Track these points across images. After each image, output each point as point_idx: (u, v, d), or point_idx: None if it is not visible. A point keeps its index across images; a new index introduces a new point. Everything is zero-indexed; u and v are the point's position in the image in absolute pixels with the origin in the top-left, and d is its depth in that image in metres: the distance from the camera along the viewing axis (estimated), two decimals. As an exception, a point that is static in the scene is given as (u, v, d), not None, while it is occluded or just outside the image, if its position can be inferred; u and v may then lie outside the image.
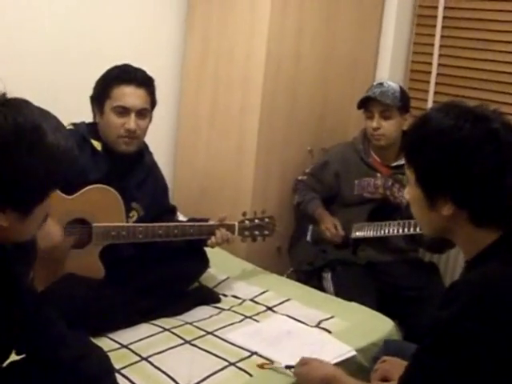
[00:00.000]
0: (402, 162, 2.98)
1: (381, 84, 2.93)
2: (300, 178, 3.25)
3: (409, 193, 1.58)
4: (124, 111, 2.37)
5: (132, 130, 2.37)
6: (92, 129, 2.44)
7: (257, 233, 2.67)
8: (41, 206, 1.40)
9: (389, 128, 2.92)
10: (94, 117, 2.46)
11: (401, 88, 2.97)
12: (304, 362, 1.96)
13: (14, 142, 1.30)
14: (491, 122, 1.45)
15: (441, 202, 1.47)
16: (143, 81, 2.41)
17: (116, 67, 2.43)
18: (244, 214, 2.65)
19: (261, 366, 2.06)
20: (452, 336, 1.39)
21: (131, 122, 2.37)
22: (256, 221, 2.66)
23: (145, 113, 2.42)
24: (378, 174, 3.00)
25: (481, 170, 1.42)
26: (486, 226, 1.47)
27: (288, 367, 2.00)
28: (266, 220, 2.69)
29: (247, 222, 2.65)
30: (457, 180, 1.44)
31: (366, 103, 2.94)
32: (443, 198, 1.46)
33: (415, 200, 1.55)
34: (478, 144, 1.42)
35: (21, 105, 1.35)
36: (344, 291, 2.79)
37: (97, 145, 2.41)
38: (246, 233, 2.64)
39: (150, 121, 2.48)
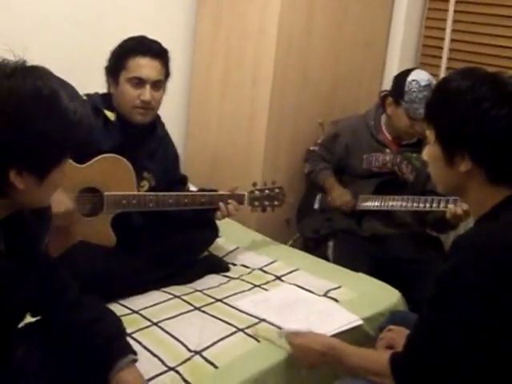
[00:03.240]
0: (412, 140, 3.00)
1: (429, 86, 2.78)
2: (312, 148, 3.27)
3: (427, 153, 1.62)
4: (139, 82, 2.39)
5: (147, 101, 2.40)
6: (106, 99, 2.46)
7: (267, 203, 2.68)
8: (56, 171, 1.42)
9: (420, 129, 2.81)
10: (109, 87, 2.48)
11: None
12: (298, 334, 1.97)
13: (33, 104, 1.32)
14: (507, 86, 1.50)
15: (459, 159, 1.51)
16: (158, 52, 2.44)
17: (132, 38, 2.45)
18: (254, 185, 2.67)
19: (254, 330, 2.09)
20: (453, 287, 1.43)
21: (146, 93, 2.39)
22: (266, 191, 2.68)
23: (159, 84, 2.45)
24: (388, 150, 3.01)
25: (496, 129, 1.46)
26: (501, 183, 1.51)
27: (282, 335, 1.99)
28: (276, 190, 2.70)
29: (257, 192, 2.66)
30: (474, 137, 1.48)
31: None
32: (461, 154, 1.50)
33: (433, 158, 1.59)
34: (493, 104, 1.46)
35: (40, 71, 1.38)
36: (341, 259, 2.82)
37: (110, 115, 2.43)
38: (256, 203, 2.66)
39: (164, 92, 2.50)
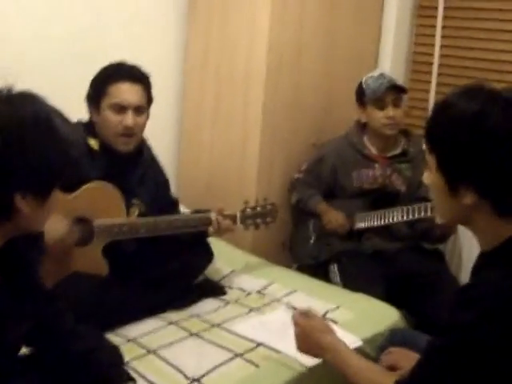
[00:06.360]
0: (397, 151, 3.02)
1: (382, 75, 2.93)
2: (296, 176, 3.21)
3: (428, 178, 1.50)
4: (121, 108, 2.37)
5: (130, 126, 2.37)
6: (88, 128, 2.43)
7: (259, 221, 2.66)
8: (54, 193, 1.46)
9: (400, 116, 2.93)
10: (91, 116, 2.45)
11: None
12: (308, 314, 1.87)
13: (32, 128, 1.37)
14: None
15: (463, 191, 1.40)
16: (139, 77, 2.42)
17: (111, 65, 2.44)
18: (246, 203, 2.64)
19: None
20: (473, 340, 1.34)
21: (128, 118, 2.37)
22: (258, 208, 2.66)
23: (142, 109, 2.43)
24: (376, 165, 3.00)
25: (509, 161, 1.35)
26: (510, 216, 1.40)
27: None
28: (268, 207, 2.68)
29: (249, 210, 2.64)
30: (482, 169, 1.36)
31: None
32: (465, 186, 1.39)
33: (435, 186, 1.48)
34: (508, 133, 1.34)
35: (34, 96, 1.43)
36: (352, 282, 2.79)
37: (94, 144, 2.40)
38: (249, 221, 2.64)
39: (148, 118, 2.48)
